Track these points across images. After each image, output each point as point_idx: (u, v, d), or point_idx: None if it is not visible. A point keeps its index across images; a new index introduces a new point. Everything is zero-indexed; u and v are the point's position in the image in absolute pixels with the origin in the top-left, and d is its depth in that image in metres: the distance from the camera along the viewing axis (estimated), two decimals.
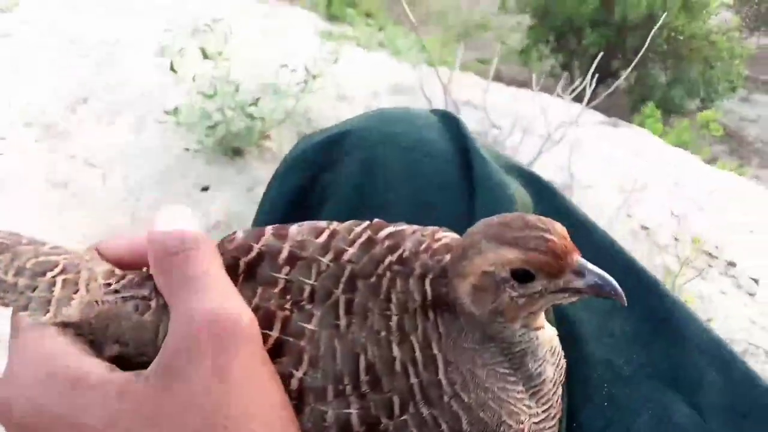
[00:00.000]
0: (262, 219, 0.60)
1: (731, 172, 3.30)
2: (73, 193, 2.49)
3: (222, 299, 0.33)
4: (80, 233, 2.24)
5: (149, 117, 2.93)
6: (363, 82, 3.37)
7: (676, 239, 2.14)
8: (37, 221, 2.34)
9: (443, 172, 0.55)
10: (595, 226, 0.58)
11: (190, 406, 0.31)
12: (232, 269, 0.38)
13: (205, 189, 2.55)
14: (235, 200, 2.49)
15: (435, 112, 0.61)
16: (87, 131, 2.94)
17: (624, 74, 4.15)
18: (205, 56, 2.60)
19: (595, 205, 2.28)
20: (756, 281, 2.09)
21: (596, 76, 3.08)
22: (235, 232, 0.41)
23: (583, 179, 2.41)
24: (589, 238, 0.56)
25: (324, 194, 0.56)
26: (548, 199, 0.57)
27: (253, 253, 0.38)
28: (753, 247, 2.23)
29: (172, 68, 2.68)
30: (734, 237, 2.26)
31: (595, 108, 3.44)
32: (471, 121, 2.65)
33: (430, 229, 0.41)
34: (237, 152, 2.66)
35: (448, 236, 0.40)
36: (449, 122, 0.58)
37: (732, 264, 2.14)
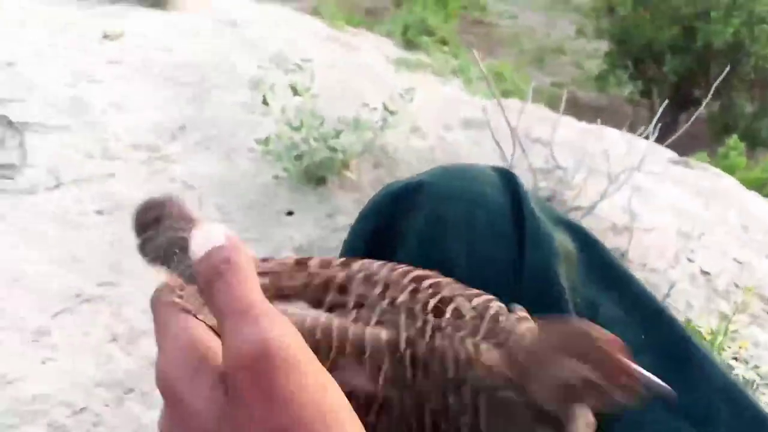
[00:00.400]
0: (343, 255, 0.68)
1: None
2: None
3: (253, 330, 0.34)
4: None
5: (241, 146, 3.21)
6: (436, 114, 3.54)
7: (736, 286, 2.18)
8: (123, 242, 2.63)
9: (497, 224, 0.61)
10: (632, 277, 0.66)
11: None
12: (315, 305, 0.44)
13: (289, 214, 2.79)
14: (316, 225, 2.71)
15: (494, 168, 0.69)
16: (185, 156, 3.25)
17: (704, 103, 4.13)
18: (295, 93, 2.85)
19: (655, 248, 2.33)
20: None
21: (664, 118, 3.11)
22: (307, 260, 0.48)
23: (646, 221, 2.47)
24: (627, 289, 0.64)
25: (397, 241, 0.64)
26: (590, 250, 0.65)
27: (326, 306, 0.45)
28: None
29: (264, 101, 2.95)
30: None
31: (661, 139, 3.45)
32: (538, 159, 2.77)
33: (458, 287, 0.47)
34: (319, 181, 2.89)
35: (464, 303, 0.46)
36: (506, 178, 0.66)
37: None
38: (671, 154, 3.66)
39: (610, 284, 0.63)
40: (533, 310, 0.50)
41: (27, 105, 3.77)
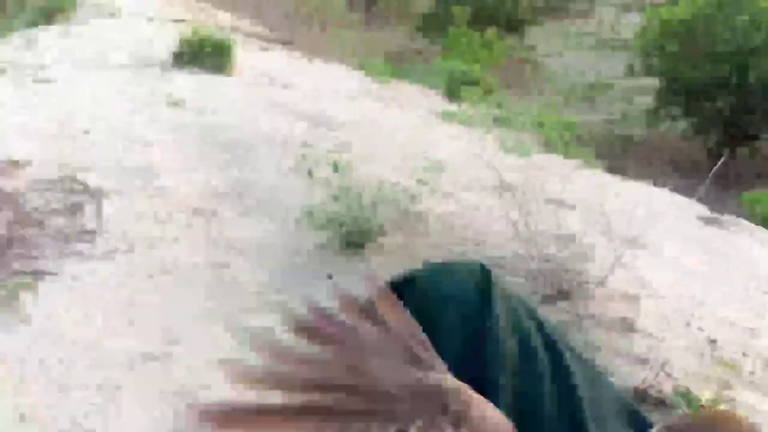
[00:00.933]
0: None
1: None
2: (219, 278, 3.11)
3: None
4: (223, 314, 2.83)
5: (287, 211, 3.54)
6: (470, 178, 3.78)
7: (744, 354, 2.27)
8: (185, 303, 2.96)
9: (469, 319, 0.70)
10: (576, 386, 0.73)
11: None
12: None
13: (329, 277, 3.06)
14: (354, 289, 2.97)
15: (477, 265, 0.76)
16: (239, 221, 3.59)
17: (725, 153, 4.20)
18: (336, 170, 3.17)
19: (663, 316, 2.46)
20: None
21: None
22: None
23: (660, 288, 2.60)
24: (568, 387, 0.72)
25: None
26: (551, 352, 0.72)
27: None
28: None
29: (309, 174, 3.28)
30: None
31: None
32: (558, 223, 2.95)
33: None
34: (357, 247, 3.17)
35: None
36: (484, 275, 0.73)
37: None
38: (705, 211, 3.74)
39: (561, 391, 0.72)
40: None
41: (100, 171, 4.22)
